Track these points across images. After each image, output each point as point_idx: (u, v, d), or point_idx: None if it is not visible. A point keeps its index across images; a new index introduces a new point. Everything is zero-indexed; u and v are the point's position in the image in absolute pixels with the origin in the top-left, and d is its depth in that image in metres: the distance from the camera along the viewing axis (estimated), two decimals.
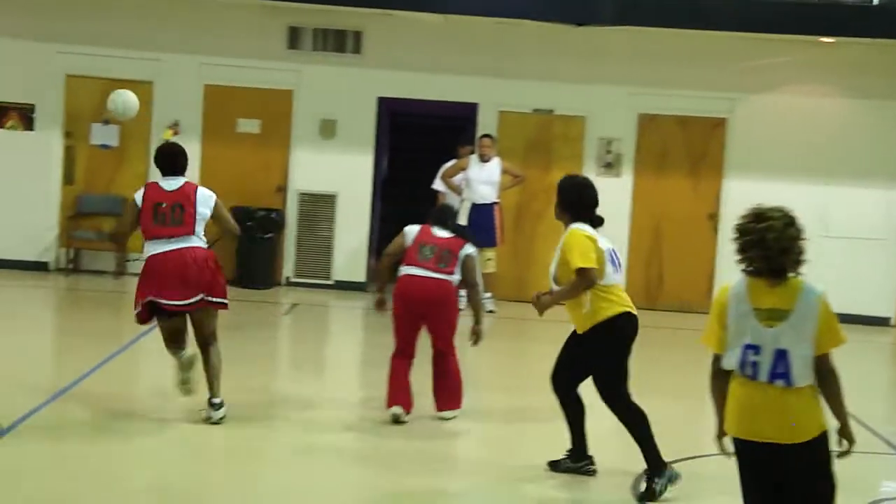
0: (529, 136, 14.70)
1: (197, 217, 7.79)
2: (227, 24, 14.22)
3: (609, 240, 7.10)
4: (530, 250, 14.69)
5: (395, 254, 8.13)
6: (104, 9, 14.08)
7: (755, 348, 4.56)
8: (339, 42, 14.41)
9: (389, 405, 7.96)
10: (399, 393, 7.99)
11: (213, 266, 7.83)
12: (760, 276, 4.60)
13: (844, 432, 4.68)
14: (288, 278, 14.44)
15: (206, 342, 7.80)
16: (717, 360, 4.71)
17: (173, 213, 7.76)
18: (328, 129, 14.47)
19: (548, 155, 14.71)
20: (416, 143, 16.16)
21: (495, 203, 13.51)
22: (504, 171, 13.60)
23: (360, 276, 14.51)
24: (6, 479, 6.26)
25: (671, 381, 10.30)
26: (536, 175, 14.48)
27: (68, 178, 14.43)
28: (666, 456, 6.68)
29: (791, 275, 4.60)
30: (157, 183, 7.97)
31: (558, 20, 13.83)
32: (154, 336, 10.51)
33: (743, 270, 4.66)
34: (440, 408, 8.18)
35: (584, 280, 6.70)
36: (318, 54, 14.39)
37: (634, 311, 6.88)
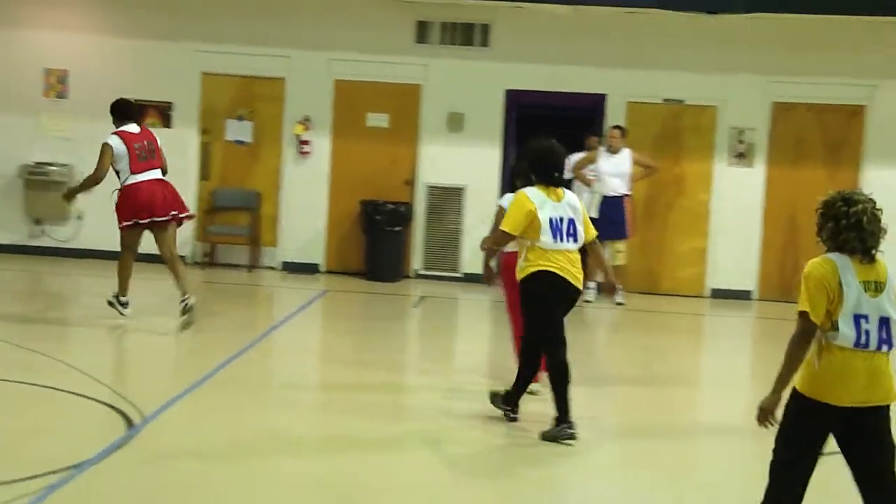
0: (659, 127, 14.52)
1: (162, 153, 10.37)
2: (356, 19, 14.38)
3: (573, 209, 7.50)
4: (660, 242, 14.53)
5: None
6: (238, 8, 14.38)
7: (866, 318, 4.87)
8: (467, 35, 14.45)
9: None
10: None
11: (175, 190, 10.44)
12: (853, 255, 4.92)
13: None
14: (416, 271, 14.54)
15: (173, 254, 10.25)
16: (811, 330, 4.91)
17: (148, 151, 10.25)
18: (456, 123, 14.53)
19: (678, 146, 14.51)
20: (544, 135, 16.05)
21: (626, 195, 13.39)
22: (635, 162, 13.48)
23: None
24: (141, 469, 6.43)
25: None
26: (666, 166, 14.29)
27: (204, 174, 14.78)
28: None
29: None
30: (124, 130, 10.28)
31: (690, 9, 13.63)
32: (288, 327, 10.71)
33: (835, 250, 4.94)
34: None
35: (497, 238, 7.69)
36: (445, 48, 14.45)
37: (558, 272, 7.36)
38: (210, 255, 14.69)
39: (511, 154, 14.65)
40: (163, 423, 7.25)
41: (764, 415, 5.00)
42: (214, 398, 8.10)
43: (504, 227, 7.45)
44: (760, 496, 5.06)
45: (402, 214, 14.27)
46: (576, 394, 7.49)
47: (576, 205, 7.56)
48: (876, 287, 4.92)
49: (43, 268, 13.94)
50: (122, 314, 10.35)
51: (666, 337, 12.13)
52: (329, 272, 14.63)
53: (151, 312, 10.87)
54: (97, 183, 10.30)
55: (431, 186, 14.51)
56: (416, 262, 14.59)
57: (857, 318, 4.87)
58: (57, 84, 14.53)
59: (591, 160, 13.42)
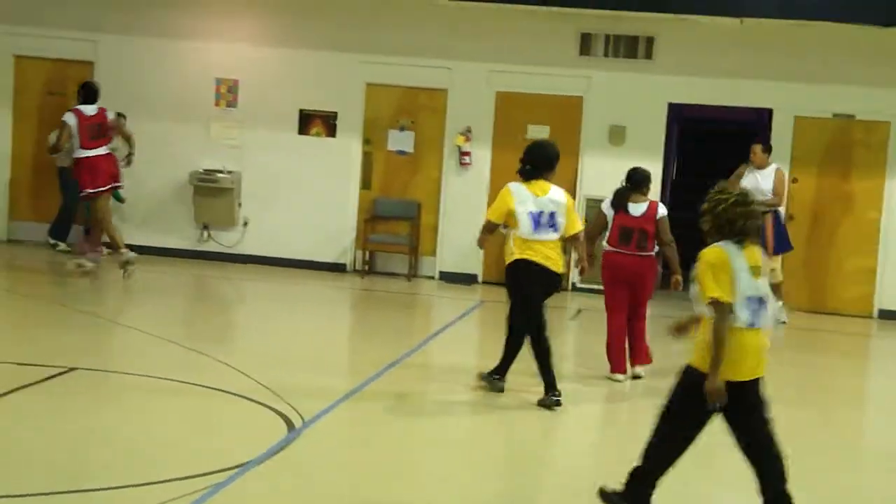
0: (827, 143, 14.11)
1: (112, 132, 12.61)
2: (519, 31, 14.40)
3: (555, 203, 8.39)
4: (826, 259, 14.12)
5: None
6: (402, 19, 14.56)
7: (753, 300, 5.48)
8: (631, 48, 14.32)
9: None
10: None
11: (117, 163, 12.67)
12: (738, 243, 5.51)
13: None
14: (574, 283, 14.45)
15: (107, 218, 12.67)
16: (727, 311, 5.39)
17: (100, 129, 12.42)
18: (618, 136, 14.40)
19: (847, 162, 14.08)
20: (708, 149, 15.82)
21: (767, 211, 12.85)
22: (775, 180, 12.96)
23: None
24: (304, 472, 6.55)
25: None
26: (834, 183, 13.92)
27: (366, 183, 14.99)
28: None
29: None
30: (79, 109, 12.42)
31: (862, 21, 13.22)
32: (445, 336, 10.76)
33: (721, 239, 5.52)
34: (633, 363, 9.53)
35: (485, 227, 8.71)
36: (609, 60, 14.35)
37: (536, 261, 8.31)
38: (369, 264, 14.89)
39: (672, 168, 14.47)
40: (322, 427, 7.36)
41: (714, 396, 5.38)
42: (372, 405, 8.20)
43: (488, 215, 8.71)
44: None
45: None
46: None
47: (559, 199, 8.44)
48: (757, 271, 5.51)
49: (209, 272, 14.33)
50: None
51: (827, 357, 11.78)
52: (486, 282, 14.66)
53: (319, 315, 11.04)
54: (55, 152, 12.94)
55: (591, 199, 14.39)
56: (574, 274, 14.49)
57: (749, 301, 5.46)
58: (227, 93, 14.95)
59: (740, 175, 13.07)
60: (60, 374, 8.23)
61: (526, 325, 8.44)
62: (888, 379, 11.21)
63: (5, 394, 7.61)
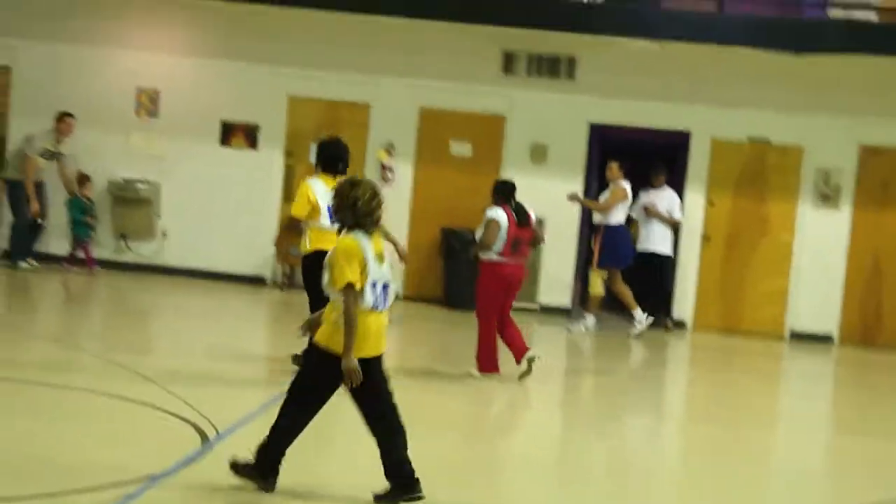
0: (743, 166, 14.40)
1: None
2: (443, 47, 14.49)
3: None
4: (740, 281, 14.39)
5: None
6: (326, 33, 14.56)
7: (377, 284, 5.96)
8: (553, 67, 14.48)
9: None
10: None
11: None
12: (359, 230, 5.96)
13: None
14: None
15: None
16: (359, 296, 5.88)
17: None
18: (539, 154, 14.55)
19: (762, 185, 14.38)
20: (627, 169, 16.00)
21: (602, 224, 13.43)
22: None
23: (565, 300, 14.49)
24: (216, 484, 6.51)
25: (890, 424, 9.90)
26: (749, 205, 14.20)
27: (287, 196, 14.94)
28: None
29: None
30: None
31: (778, 48, 13.53)
32: None
33: (354, 228, 5.96)
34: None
35: (289, 224, 9.36)
36: (531, 79, 14.50)
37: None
38: (289, 277, 14.83)
39: (593, 187, 14.65)
40: (236, 440, 7.32)
41: (351, 375, 5.83)
42: None
43: (293, 213, 9.17)
44: None
45: None
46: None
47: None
48: (381, 257, 5.99)
49: (127, 283, 14.18)
50: None
51: (738, 376, 12.00)
52: (407, 298, 14.68)
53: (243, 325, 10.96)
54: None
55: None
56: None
57: (374, 285, 5.94)
58: (148, 103, 14.83)
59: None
60: None
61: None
62: (796, 399, 11.43)
63: None
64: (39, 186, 14.22)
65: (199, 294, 13.90)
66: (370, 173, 14.67)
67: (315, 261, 8.49)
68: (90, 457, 6.67)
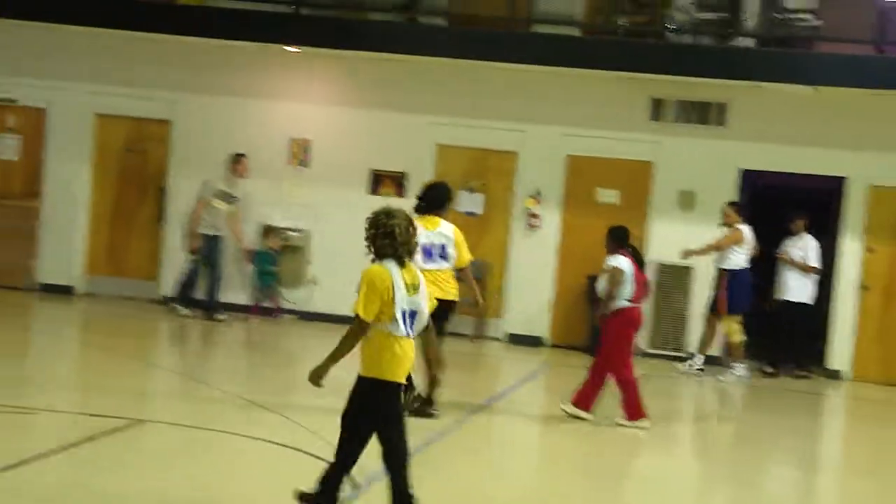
0: None
1: None
2: (591, 95, 14.46)
3: (445, 237, 9.56)
4: None
5: None
6: (473, 82, 14.67)
7: (408, 313, 6.11)
8: (703, 113, 14.31)
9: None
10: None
11: None
12: (391, 260, 6.13)
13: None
14: (641, 349, 14.31)
15: None
16: (365, 326, 6.09)
17: None
18: (687, 201, 14.35)
19: None
20: (778, 215, 15.69)
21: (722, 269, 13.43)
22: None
23: (714, 349, 14.20)
24: None
25: None
26: None
27: None
28: None
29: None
30: None
31: None
32: (511, 397, 10.69)
33: (380, 255, 6.17)
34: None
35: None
36: (680, 126, 14.35)
37: None
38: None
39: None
40: (382, 487, 7.35)
41: (316, 377, 6.15)
42: (436, 462, 8.18)
43: None
44: None
45: None
46: None
47: (448, 233, 9.52)
48: (413, 288, 6.15)
49: (274, 328, 14.43)
50: None
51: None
52: (554, 346, 14.60)
53: None
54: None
55: (661, 264, 14.33)
56: (642, 340, 14.37)
57: (405, 314, 6.10)
58: (300, 152, 15.17)
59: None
60: (128, 426, 8.32)
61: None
62: None
63: (76, 444, 7.72)
64: (214, 239, 14.37)
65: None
66: (517, 221, 14.73)
67: None
68: (245, 497, 6.78)
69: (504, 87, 14.63)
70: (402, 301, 6.08)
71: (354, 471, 6.29)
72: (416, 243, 6.31)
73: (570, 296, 14.61)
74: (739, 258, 13.32)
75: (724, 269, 13.34)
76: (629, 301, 9.89)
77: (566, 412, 9.98)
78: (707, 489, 8.83)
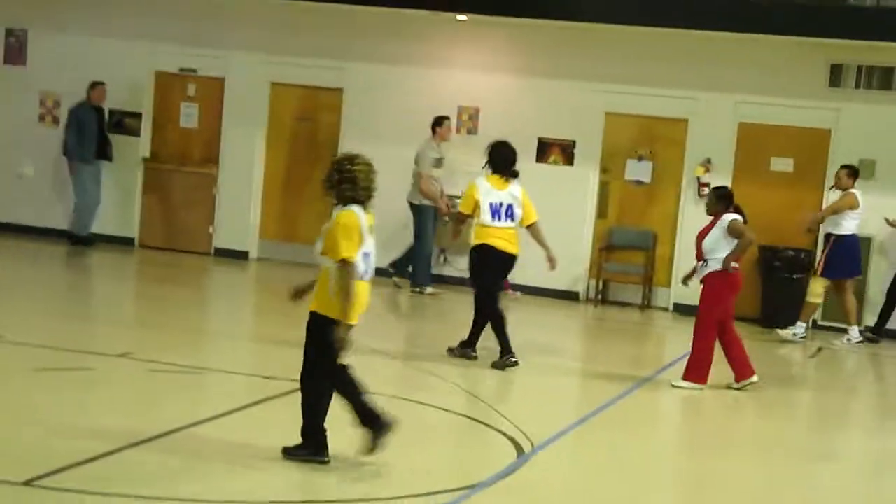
0: None
1: None
2: (766, 61, 14.07)
3: (513, 196, 10.00)
4: None
5: None
6: (643, 49, 14.41)
7: (368, 255, 6.43)
8: (885, 79, 13.77)
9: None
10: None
11: None
12: (356, 204, 6.39)
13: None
14: (815, 321, 13.95)
15: None
16: (356, 269, 6.31)
17: None
18: (867, 170, 13.84)
19: None
20: None
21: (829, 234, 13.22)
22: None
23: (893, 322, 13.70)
24: (534, 497, 6.58)
25: None
26: None
27: (601, 212, 14.96)
28: None
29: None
30: None
31: None
32: (676, 369, 10.59)
33: (342, 199, 6.39)
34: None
35: (457, 218, 10.74)
36: (860, 92, 13.85)
37: (495, 245, 9.87)
38: (602, 293, 14.82)
39: None
40: (552, 454, 7.38)
41: (344, 344, 6.33)
42: (603, 434, 8.16)
43: (459, 208, 10.19)
44: None
45: (801, 262, 13.79)
46: None
47: (516, 194, 9.90)
48: (371, 230, 6.45)
49: (446, 295, 14.53)
50: None
51: None
52: None
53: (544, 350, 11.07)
54: None
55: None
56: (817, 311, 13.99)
57: (364, 256, 6.38)
58: (468, 121, 15.23)
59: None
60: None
61: (486, 300, 9.88)
62: None
63: (250, 405, 7.98)
64: (430, 210, 14.18)
65: (515, 309, 14.09)
66: (687, 189, 14.48)
67: (479, 254, 9.85)
68: (410, 465, 6.90)
69: (674, 53, 14.37)
70: (366, 244, 6.40)
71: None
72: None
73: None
74: (851, 223, 13.03)
75: (833, 234, 13.05)
76: (736, 264, 9.98)
77: (735, 388, 9.89)
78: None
